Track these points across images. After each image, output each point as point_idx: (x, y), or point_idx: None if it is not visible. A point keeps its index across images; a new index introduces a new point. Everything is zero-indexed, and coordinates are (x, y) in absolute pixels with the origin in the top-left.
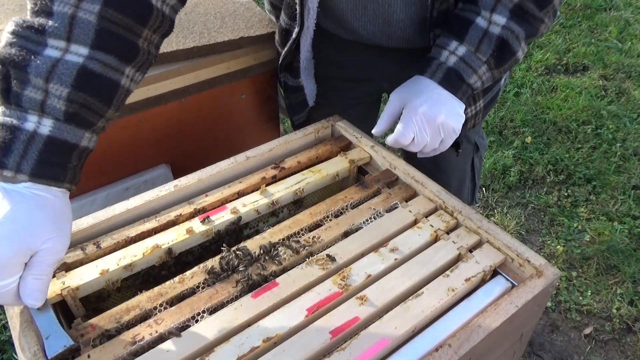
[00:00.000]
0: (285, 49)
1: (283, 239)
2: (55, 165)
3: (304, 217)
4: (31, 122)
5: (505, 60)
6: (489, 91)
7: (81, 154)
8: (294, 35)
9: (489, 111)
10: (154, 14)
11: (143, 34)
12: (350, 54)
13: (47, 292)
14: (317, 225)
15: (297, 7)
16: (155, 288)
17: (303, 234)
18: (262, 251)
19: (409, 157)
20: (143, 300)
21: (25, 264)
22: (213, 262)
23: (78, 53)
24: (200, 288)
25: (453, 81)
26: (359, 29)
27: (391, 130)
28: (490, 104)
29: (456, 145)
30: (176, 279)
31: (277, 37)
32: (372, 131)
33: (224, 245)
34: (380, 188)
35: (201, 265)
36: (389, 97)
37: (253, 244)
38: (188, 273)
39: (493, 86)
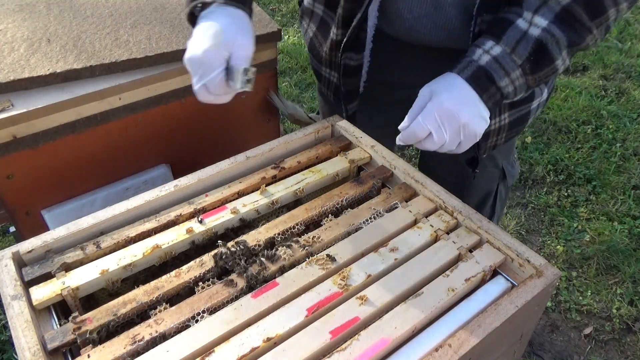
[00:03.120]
0: (358, 15)
1: (279, 233)
2: None
3: (300, 212)
4: None
5: (541, 66)
6: (516, 107)
7: None
8: None
9: (515, 133)
10: None
11: None
12: (388, 54)
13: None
14: (312, 221)
15: None
16: (152, 282)
17: (299, 229)
18: (260, 248)
19: (429, 172)
20: (140, 293)
21: (226, 60)
22: (209, 257)
23: None
24: (197, 284)
25: (481, 81)
26: (404, 11)
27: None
28: (517, 123)
29: (474, 163)
30: (172, 273)
31: (337, 18)
32: (400, 126)
33: (219, 241)
34: (375, 183)
35: (197, 259)
36: None
37: (249, 238)
38: (184, 267)
39: (522, 103)
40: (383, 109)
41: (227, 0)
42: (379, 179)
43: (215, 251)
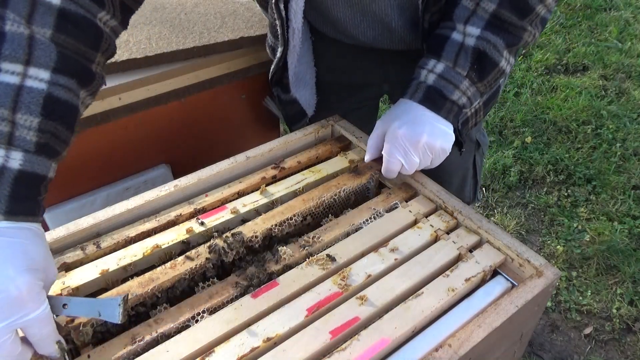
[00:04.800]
0: (273, 65)
1: (276, 224)
2: (29, 199)
3: (297, 203)
4: None
5: (487, 72)
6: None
7: (47, 186)
8: (278, 54)
9: (490, 109)
10: (104, 38)
11: (96, 59)
12: (351, 59)
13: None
14: (310, 212)
15: (279, 29)
16: (146, 273)
17: (296, 220)
18: (257, 239)
19: None
20: (134, 285)
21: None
22: (205, 249)
23: (39, 78)
24: (193, 279)
25: (435, 99)
26: (359, 36)
27: None
28: (490, 101)
29: (459, 144)
30: (167, 264)
31: (267, 50)
32: (365, 159)
33: (215, 232)
34: (373, 175)
35: (193, 251)
36: (389, 99)
37: (246, 230)
38: (180, 259)
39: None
40: (354, 108)
41: (16, 214)
42: (377, 170)
43: (211, 242)
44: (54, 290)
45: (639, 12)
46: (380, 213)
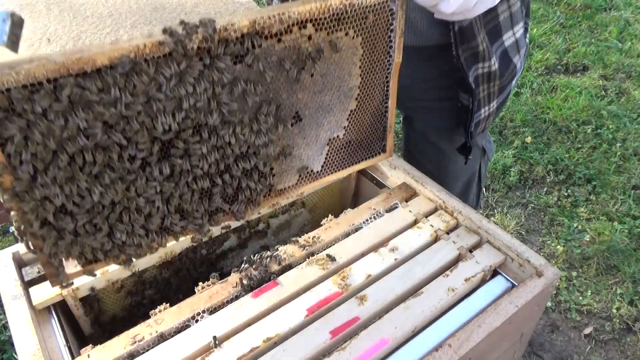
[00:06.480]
0: None
1: (262, 18)
2: None
3: (295, 5)
4: None
5: None
6: (502, 92)
7: None
8: None
9: (499, 114)
10: None
11: None
12: None
13: None
14: (311, 16)
15: None
16: (76, 47)
17: (290, 15)
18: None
19: (414, 161)
20: (55, 54)
21: None
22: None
23: None
24: (135, 57)
25: None
26: None
27: None
28: (501, 105)
29: (467, 151)
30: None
31: None
32: None
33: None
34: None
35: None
36: (399, 104)
37: (223, 21)
38: (125, 37)
39: (508, 84)
40: None
41: None
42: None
43: (167, 26)
44: (54, 290)
45: (639, 12)
46: (380, 213)
